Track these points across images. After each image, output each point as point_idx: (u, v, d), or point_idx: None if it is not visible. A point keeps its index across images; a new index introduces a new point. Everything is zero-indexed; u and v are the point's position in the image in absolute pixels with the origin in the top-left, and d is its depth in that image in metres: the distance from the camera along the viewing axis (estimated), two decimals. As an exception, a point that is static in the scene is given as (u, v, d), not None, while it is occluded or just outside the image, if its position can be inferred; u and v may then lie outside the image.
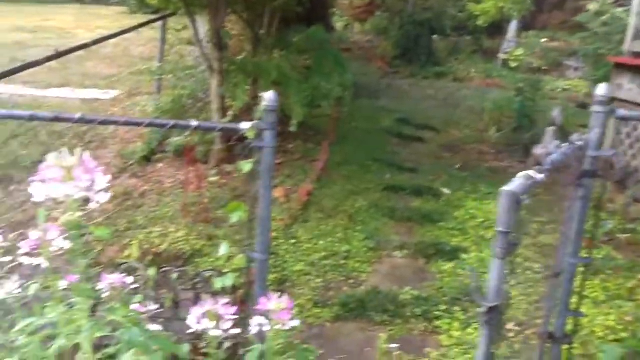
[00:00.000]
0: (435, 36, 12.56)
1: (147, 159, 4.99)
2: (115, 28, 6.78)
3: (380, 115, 7.91)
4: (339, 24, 14.76)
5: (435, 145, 7.06)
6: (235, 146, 5.01)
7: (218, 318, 1.91)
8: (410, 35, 11.95)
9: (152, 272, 2.61)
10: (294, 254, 3.96)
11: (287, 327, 2.02)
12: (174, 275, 3.07)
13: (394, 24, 12.74)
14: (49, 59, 3.85)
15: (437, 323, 3.41)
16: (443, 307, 3.52)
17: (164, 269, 2.86)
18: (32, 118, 2.53)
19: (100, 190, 1.61)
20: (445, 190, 5.43)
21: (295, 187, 4.85)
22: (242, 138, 5.14)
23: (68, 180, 1.58)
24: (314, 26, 6.26)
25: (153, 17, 6.60)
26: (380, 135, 7.15)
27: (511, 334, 3.21)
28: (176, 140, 4.83)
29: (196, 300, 2.91)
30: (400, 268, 4.07)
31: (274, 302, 2.03)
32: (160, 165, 5.00)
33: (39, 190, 1.58)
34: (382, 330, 3.31)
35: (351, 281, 3.79)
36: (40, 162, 4.28)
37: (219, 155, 4.98)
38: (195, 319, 1.90)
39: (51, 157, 1.60)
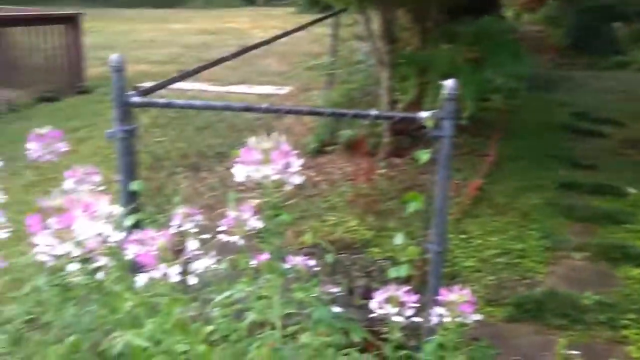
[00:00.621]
0: (616, 23, 11.53)
1: (318, 151, 5.16)
2: (286, 27, 7.12)
3: (554, 108, 7.45)
4: (507, 14, 14.15)
5: (616, 140, 6.48)
6: (403, 139, 5.01)
7: (400, 304, 1.92)
8: (587, 23, 11.10)
9: (329, 257, 2.68)
10: (464, 249, 3.87)
11: (467, 321, 1.98)
12: (349, 262, 3.14)
13: (568, 12, 11.92)
14: (234, 56, 4.13)
15: (625, 332, 3.13)
16: (632, 316, 3.23)
17: (338, 255, 2.93)
18: (226, 108, 2.74)
19: (295, 173, 1.69)
20: (631, 190, 4.97)
21: (464, 182, 4.73)
22: (411, 131, 5.12)
23: (266, 162, 1.68)
24: (488, 17, 6.05)
25: (321, 15, 6.82)
26: (555, 129, 6.73)
27: None
28: (346, 132, 4.94)
29: (369, 288, 2.95)
30: (579, 270, 3.80)
31: (456, 294, 1.99)
32: (330, 157, 5.15)
33: (240, 171, 1.69)
34: (561, 335, 3.11)
35: (526, 281, 3.61)
36: (223, 152, 4.60)
37: (387, 148, 5.01)
38: (378, 304, 1.93)
39: (251, 141, 1.71)
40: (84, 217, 1.48)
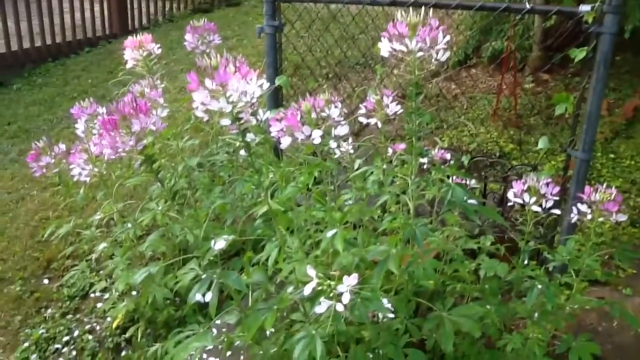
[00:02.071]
0: None
1: (462, 63, 4.99)
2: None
3: None
4: None
5: None
6: (553, 55, 4.69)
7: (539, 196, 1.86)
8: None
9: (465, 158, 2.65)
10: (612, 170, 3.62)
11: (612, 220, 1.88)
12: (485, 168, 3.08)
13: None
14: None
15: None
16: None
17: (475, 159, 2.87)
18: (372, 3, 2.73)
19: (441, 49, 1.66)
20: None
21: (619, 102, 4.37)
22: (561, 46, 4.76)
23: (412, 37, 1.66)
24: None
25: None
26: None
27: None
28: (492, 44, 4.71)
29: (504, 192, 2.88)
30: None
31: (601, 193, 1.90)
32: (474, 70, 4.96)
33: (384, 46, 1.69)
34: None
35: (679, 206, 3.34)
36: (359, 64, 4.54)
37: (535, 63, 4.71)
38: (515, 193, 1.89)
39: (398, 15, 1.69)
40: (238, 78, 1.57)
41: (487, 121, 4.13)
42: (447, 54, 1.67)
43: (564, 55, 2.60)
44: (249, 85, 1.59)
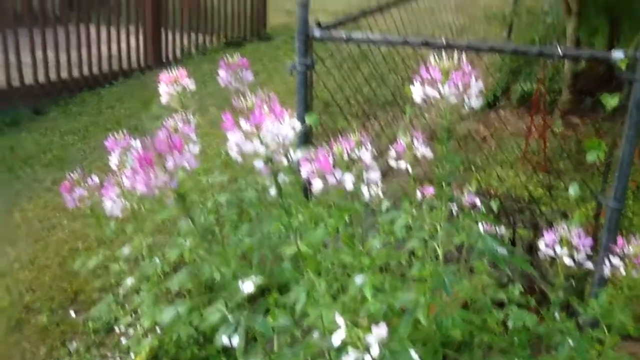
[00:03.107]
0: None
1: (491, 105, 4.99)
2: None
3: None
4: None
5: None
6: (584, 99, 4.67)
7: (571, 247, 1.83)
8: None
9: (494, 203, 2.62)
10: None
11: (645, 275, 1.83)
12: (514, 213, 3.04)
13: None
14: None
15: None
16: None
17: (503, 204, 2.84)
18: (404, 43, 2.74)
19: (474, 95, 1.66)
20: None
21: (652, 148, 4.31)
22: (591, 90, 4.71)
23: (445, 82, 1.67)
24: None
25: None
26: None
27: None
28: (522, 86, 4.71)
29: (534, 241, 2.84)
30: None
31: (635, 246, 1.86)
32: (502, 112, 4.95)
33: (417, 91, 1.70)
34: None
35: None
36: (388, 103, 4.55)
37: (565, 106, 4.70)
38: (546, 244, 1.85)
39: (431, 58, 1.70)
40: (272, 119, 1.58)
41: (516, 164, 4.10)
42: (480, 100, 1.67)
43: (597, 101, 2.58)
44: (282, 126, 1.61)
